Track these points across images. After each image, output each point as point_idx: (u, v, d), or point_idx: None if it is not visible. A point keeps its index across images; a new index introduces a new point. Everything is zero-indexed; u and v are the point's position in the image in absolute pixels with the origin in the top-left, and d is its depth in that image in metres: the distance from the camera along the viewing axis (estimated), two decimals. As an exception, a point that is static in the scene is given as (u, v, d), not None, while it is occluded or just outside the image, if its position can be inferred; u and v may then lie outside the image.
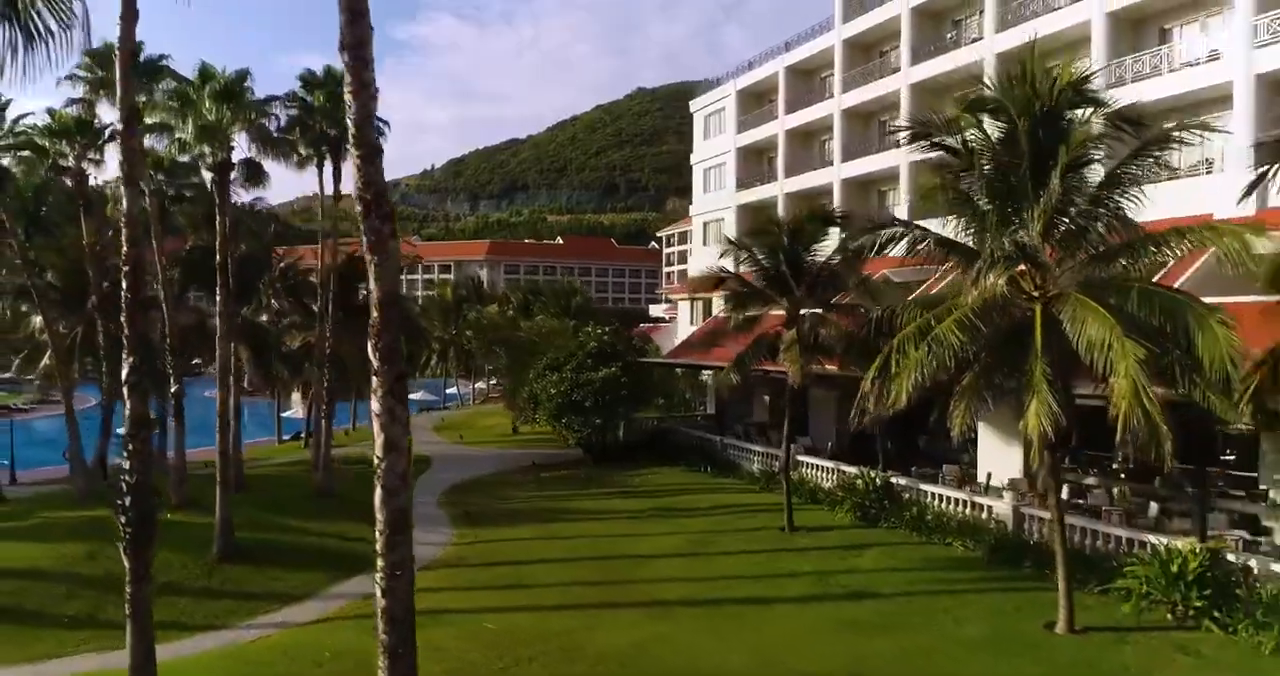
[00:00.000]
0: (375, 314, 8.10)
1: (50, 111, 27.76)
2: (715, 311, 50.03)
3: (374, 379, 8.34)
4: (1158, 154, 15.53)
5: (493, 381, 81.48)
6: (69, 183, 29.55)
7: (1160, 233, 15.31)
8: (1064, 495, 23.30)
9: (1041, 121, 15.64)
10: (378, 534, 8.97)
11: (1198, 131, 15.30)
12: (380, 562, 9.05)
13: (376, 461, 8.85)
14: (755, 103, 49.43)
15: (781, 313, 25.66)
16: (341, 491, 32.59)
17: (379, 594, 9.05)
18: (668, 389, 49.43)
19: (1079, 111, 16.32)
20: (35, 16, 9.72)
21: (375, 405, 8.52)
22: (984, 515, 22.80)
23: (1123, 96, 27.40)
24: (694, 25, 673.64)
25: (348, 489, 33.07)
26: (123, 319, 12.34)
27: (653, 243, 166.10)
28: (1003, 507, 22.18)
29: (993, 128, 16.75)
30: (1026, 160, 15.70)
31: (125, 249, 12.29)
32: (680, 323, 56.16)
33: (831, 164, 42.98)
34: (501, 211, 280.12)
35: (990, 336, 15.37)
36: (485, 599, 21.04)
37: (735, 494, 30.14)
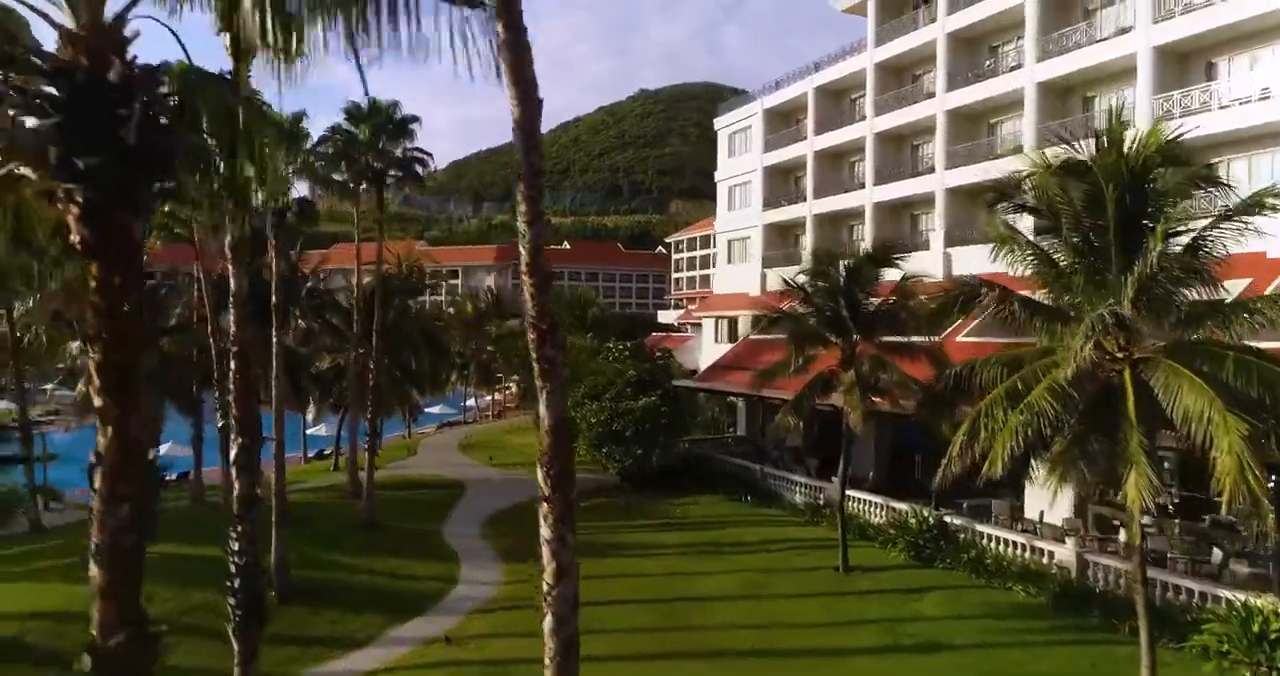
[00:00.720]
0: (547, 439, 8.09)
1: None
2: (741, 330, 50.09)
3: (544, 505, 8.32)
4: (1245, 220, 15.48)
5: (509, 389, 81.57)
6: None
7: (1251, 299, 15.31)
8: (1120, 537, 23.54)
9: (1129, 186, 15.62)
10: (547, 659, 8.92)
11: (1290, 199, 15.20)
12: (550, 687, 9.00)
13: (546, 587, 8.81)
14: (782, 122, 49.40)
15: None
16: (384, 521, 32.58)
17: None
18: (693, 408, 49.39)
19: (1163, 170, 16.28)
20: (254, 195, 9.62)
21: (546, 532, 8.50)
22: (1044, 559, 22.79)
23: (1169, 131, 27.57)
24: (694, 25, 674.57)
25: (390, 519, 33.07)
26: (230, 399, 12.28)
27: (660, 247, 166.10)
28: (1065, 554, 22.18)
29: (1073, 185, 16.77)
30: (1113, 225, 15.69)
31: (233, 331, 12.24)
32: (704, 339, 56.10)
33: (862, 186, 42.98)
34: (505, 213, 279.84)
35: (1080, 401, 15.35)
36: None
37: (781, 527, 30.14)
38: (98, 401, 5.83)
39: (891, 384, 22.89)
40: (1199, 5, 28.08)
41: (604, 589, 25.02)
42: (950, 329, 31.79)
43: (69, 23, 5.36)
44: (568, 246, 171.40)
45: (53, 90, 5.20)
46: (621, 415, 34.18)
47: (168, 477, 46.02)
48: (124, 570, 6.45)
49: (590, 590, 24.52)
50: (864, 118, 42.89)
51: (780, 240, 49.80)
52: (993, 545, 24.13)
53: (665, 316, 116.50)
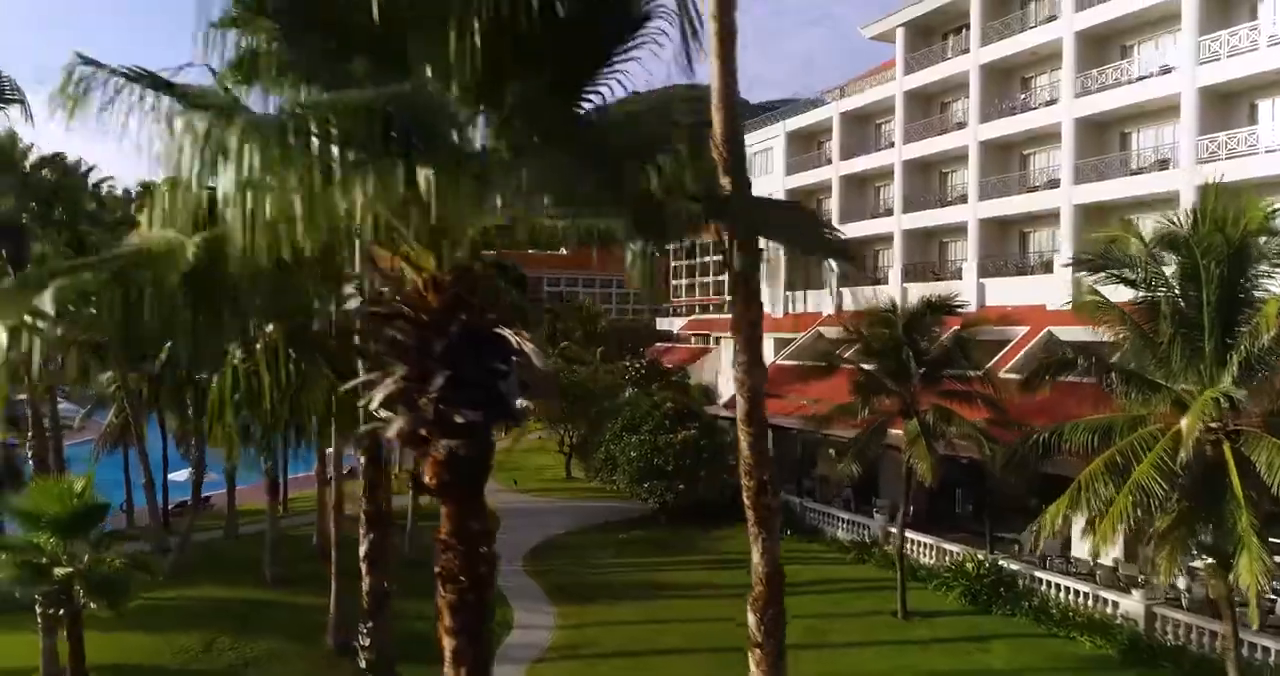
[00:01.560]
0: (760, 586, 8.06)
1: (145, 185, 27.46)
2: (765, 352, 50.05)
3: (756, 651, 8.28)
4: (1344, 293, 15.61)
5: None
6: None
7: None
8: (1180, 583, 23.70)
9: (1228, 262, 15.74)
10: None
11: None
12: None
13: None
14: (804, 144, 49.50)
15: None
16: (425, 557, 32.30)
17: None
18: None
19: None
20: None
21: (760, 677, 8.45)
22: (1109, 609, 22.89)
23: (1216, 173, 27.82)
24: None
25: (430, 554, 32.76)
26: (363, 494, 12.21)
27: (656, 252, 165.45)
28: (1133, 605, 22.28)
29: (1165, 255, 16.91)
30: (1212, 300, 15.81)
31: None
32: (723, 359, 56.10)
33: (888, 211, 43.18)
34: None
35: (1183, 476, 15.44)
36: (619, 702, 20.96)
37: (828, 566, 30.13)
38: (449, 642, 5.74)
39: (959, 436, 22.95)
40: (1244, 48, 28.28)
41: (658, 637, 24.93)
42: (992, 363, 31.97)
43: (429, 265, 5.28)
44: (564, 252, 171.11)
45: (423, 340, 5.14)
46: (661, 450, 34.09)
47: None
48: None
49: (644, 637, 24.82)
50: (890, 143, 43.04)
51: (803, 262, 49.83)
52: (1054, 592, 24.21)
53: (663, 324, 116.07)
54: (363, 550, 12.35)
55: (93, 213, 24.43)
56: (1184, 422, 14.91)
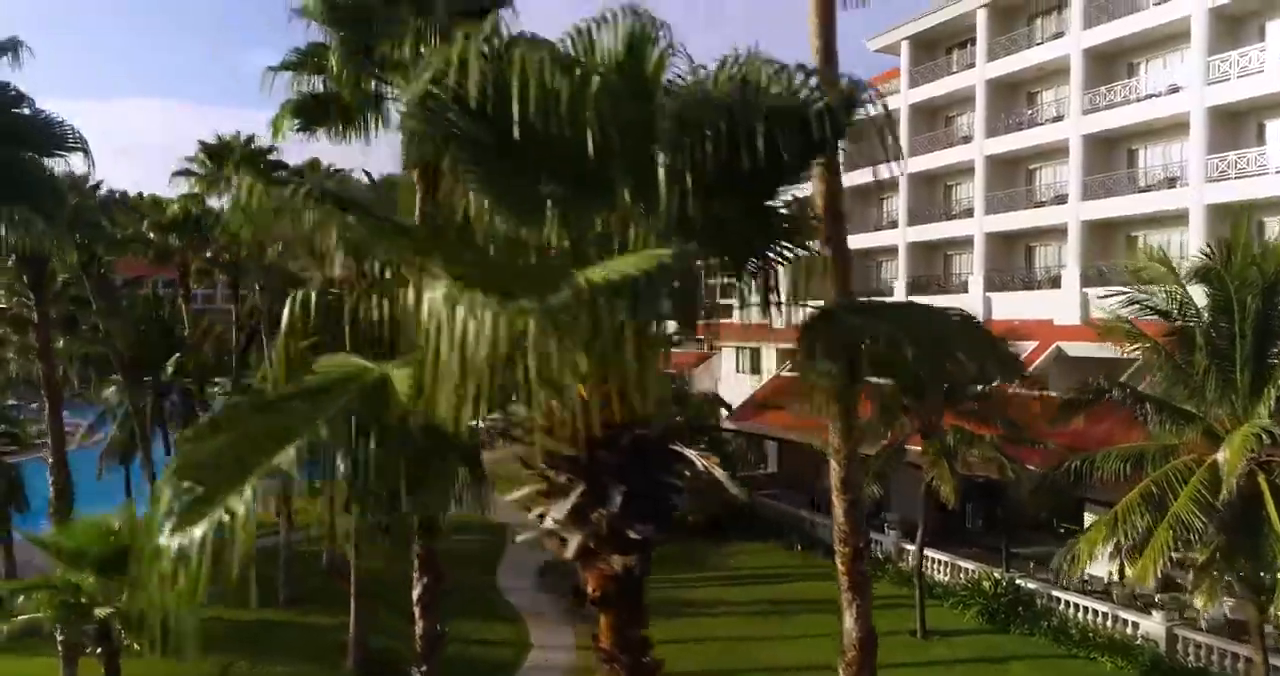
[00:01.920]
0: (854, 652, 8.09)
1: (158, 202, 27.20)
2: (764, 362, 50.10)
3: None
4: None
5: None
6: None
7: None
8: (1197, 602, 23.89)
9: (1264, 295, 15.89)
10: None
11: None
12: None
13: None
14: (806, 155, 49.58)
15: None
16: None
17: None
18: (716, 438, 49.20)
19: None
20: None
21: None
22: (1129, 629, 23.05)
23: (1227, 191, 28.19)
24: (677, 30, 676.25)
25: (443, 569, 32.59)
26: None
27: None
28: (1153, 626, 22.43)
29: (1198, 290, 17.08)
30: (1249, 334, 15.96)
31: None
32: (724, 366, 56.08)
33: (892, 223, 43.40)
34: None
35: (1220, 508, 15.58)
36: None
37: (841, 582, 30.19)
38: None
39: (980, 458, 23.07)
40: (1253, 69, 28.58)
41: (681, 657, 24.77)
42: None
43: (595, 375, 5.21)
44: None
45: (595, 455, 5.11)
46: (672, 464, 34.01)
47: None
48: None
49: (668, 657, 24.52)
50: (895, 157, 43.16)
51: (805, 268, 49.92)
52: (1072, 612, 24.36)
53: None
54: (416, 593, 12.43)
55: (108, 233, 24.28)
56: (1223, 457, 15.06)
